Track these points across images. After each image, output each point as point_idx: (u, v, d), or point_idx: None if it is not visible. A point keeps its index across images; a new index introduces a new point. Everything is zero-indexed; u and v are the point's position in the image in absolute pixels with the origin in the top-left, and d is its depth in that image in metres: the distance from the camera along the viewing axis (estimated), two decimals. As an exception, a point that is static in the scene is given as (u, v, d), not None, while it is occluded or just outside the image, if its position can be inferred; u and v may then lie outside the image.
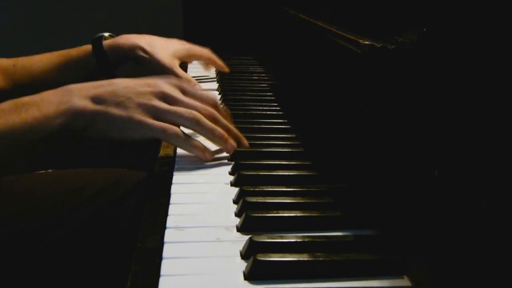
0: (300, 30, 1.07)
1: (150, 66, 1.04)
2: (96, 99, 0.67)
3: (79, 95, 0.67)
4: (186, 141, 0.69)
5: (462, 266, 0.42)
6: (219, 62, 1.19)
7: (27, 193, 0.88)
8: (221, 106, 0.77)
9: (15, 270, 0.81)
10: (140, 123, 0.67)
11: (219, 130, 0.70)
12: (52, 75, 1.02)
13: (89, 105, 0.66)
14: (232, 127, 0.73)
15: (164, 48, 1.06)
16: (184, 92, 0.72)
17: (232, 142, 0.71)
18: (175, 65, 1.05)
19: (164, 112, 0.68)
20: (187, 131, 0.71)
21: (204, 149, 0.70)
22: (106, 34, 1.05)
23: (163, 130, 0.67)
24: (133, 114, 0.67)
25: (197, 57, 1.17)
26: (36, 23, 2.04)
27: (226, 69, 1.20)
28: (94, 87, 0.68)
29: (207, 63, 1.20)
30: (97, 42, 1.02)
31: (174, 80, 0.73)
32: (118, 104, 0.67)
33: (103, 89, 0.68)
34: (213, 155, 0.71)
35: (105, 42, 1.02)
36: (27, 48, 1.13)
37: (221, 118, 0.72)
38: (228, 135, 0.72)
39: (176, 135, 0.68)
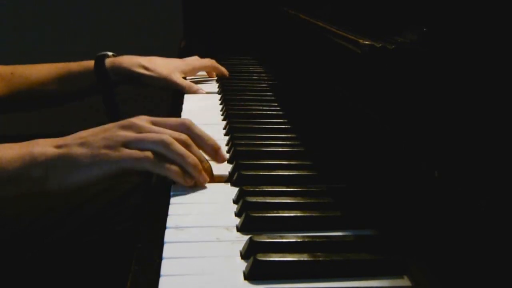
0: (300, 30, 1.07)
1: (150, 82, 1.06)
2: (58, 145, 0.63)
3: (42, 144, 0.63)
4: (161, 164, 0.62)
5: (462, 266, 0.42)
6: (222, 69, 1.21)
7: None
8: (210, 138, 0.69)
9: (15, 270, 0.81)
10: (106, 156, 0.61)
11: (192, 157, 0.63)
12: (50, 86, 1.03)
13: (49, 150, 0.62)
14: (205, 159, 0.66)
15: (164, 64, 1.09)
16: (155, 123, 0.66)
17: (205, 175, 0.64)
18: (176, 76, 1.07)
19: (131, 141, 0.63)
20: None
21: (182, 173, 0.63)
22: (110, 54, 1.06)
23: (131, 157, 0.61)
24: (98, 149, 0.62)
25: (200, 69, 1.21)
26: (36, 23, 2.04)
27: (227, 74, 1.22)
28: (60, 138, 0.64)
29: (210, 71, 1.22)
30: (99, 60, 1.04)
31: (145, 116, 0.68)
32: (81, 144, 0.63)
33: (68, 136, 0.65)
34: (193, 182, 0.64)
35: (107, 61, 1.03)
36: (26, 50, 1.13)
37: (195, 147, 0.66)
38: (205, 146, 0.67)
39: (147, 159, 0.61)
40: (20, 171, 0.61)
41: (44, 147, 0.63)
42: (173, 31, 1.74)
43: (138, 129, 0.65)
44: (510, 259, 0.37)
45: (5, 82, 1.01)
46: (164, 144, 0.62)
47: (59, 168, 0.62)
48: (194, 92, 1.08)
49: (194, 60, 1.18)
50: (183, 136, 0.65)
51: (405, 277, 0.47)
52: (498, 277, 0.38)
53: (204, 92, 1.10)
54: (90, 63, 1.04)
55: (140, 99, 1.67)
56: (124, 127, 0.65)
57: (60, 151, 0.62)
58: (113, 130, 0.64)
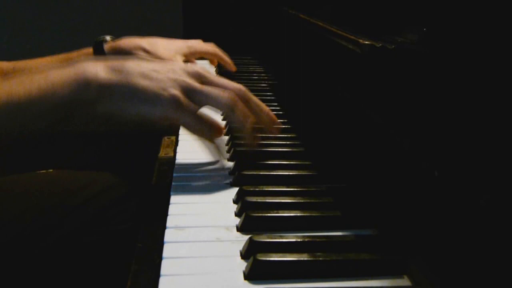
0: (300, 30, 1.07)
1: None
2: (114, 69, 0.59)
3: (93, 64, 0.59)
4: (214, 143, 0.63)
5: (462, 266, 0.42)
6: (225, 57, 1.16)
7: (27, 193, 0.88)
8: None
9: (15, 270, 0.81)
10: (177, 103, 0.58)
11: (250, 121, 0.63)
12: None
13: (104, 74, 0.58)
14: (264, 107, 0.67)
15: (165, 46, 1.05)
16: (212, 77, 0.64)
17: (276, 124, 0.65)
18: (176, 59, 1.04)
19: (197, 91, 0.60)
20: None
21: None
22: (108, 38, 1.03)
23: (196, 118, 0.59)
24: (164, 86, 0.58)
25: (201, 54, 1.15)
26: (36, 23, 2.04)
27: (233, 67, 1.17)
28: (112, 59, 0.61)
29: (212, 59, 1.18)
30: (98, 45, 1.01)
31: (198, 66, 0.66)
32: (143, 75, 0.58)
33: (123, 61, 0.61)
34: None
35: (106, 45, 1.01)
36: (27, 48, 1.13)
37: (253, 98, 0.65)
38: (262, 116, 0.66)
39: (209, 131, 0.61)
40: (73, 95, 0.58)
41: (97, 69, 0.58)
42: (173, 31, 1.74)
43: (203, 78, 0.62)
44: (510, 259, 0.37)
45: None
46: (231, 106, 0.61)
47: (115, 95, 0.58)
48: None
49: (197, 43, 1.13)
50: (243, 91, 0.63)
51: (405, 277, 0.47)
52: (498, 277, 0.38)
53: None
54: (90, 50, 1.01)
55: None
56: (190, 74, 0.61)
57: (119, 77, 0.58)
58: (179, 73, 0.60)
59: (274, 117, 0.67)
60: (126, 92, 0.58)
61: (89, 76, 0.58)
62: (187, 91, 0.60)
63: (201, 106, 0.61)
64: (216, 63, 1.19)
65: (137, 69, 0.60)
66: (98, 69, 0.59)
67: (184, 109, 0.59)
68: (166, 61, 0.63)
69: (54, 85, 0.58)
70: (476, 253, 0.41)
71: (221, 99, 0.60)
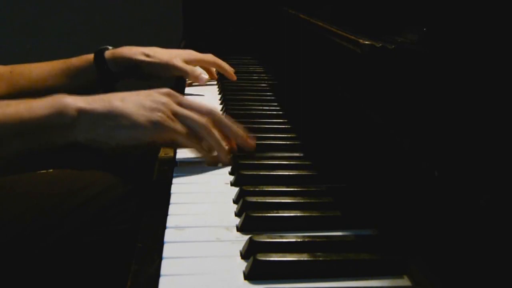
0: (300, 30, 1.07)
1: (151, 69, 1.04)
2: (94, 99, 0.62)
3: (71, 96, 0.62)
4: (201, 148, 0.66)
5: (462, 266, 0.42)
6: (225, 66, 1.17)
7: (27, 193, 0.88)
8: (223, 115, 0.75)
9: (15, 270, 0.81)
10: (162, 122, 0.61)
11: (223, 144, 0.68)
12: (52, 82, 1.02)
13: (82, 101, 0.61)
14: (234, 127, 0.71)
15: (165, 52, 1.07)
16: (185, 102, 0.68)
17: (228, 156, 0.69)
18: (177, 60, 1.05)
19: (177, 114, 0.63)
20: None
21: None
22: (110, 47, 1.05)
23: (184, 135, 0.63)
24: (151, 113, 0.61)
25: (200, 61, 1.16)
26: (36, 22, 2.04)
27: (234, 77, 1.17)
28: (89, 96, 0.64)
29: (210, 68, 1.19)
30: (99, 52, 1.02)
31: (171, 91, 0.69)
32: (123, 100, 0.61)
33: (103, 95, 0.64)
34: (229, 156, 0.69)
35: (107, 52, 1.02)
36: (26, 48, 1.13)
37: (223, 120, 0.70)
38: (233, 135, 0.70)
39: (196, 143, 0.65)
40: (50, 117, 0.60)
41: (74, 99, 0.61)
42: (173, 31, 1.74)
43: (179, 100, 0.65)
44: (510, 259, 0.37)
45: (5, 81, 1.00)
46: (205, 128, 0.65)
47: (97, 122, 0.60)
48: (196, 77, 1.07)
49: (195, 52, 1.15)
50: (216, 115, 0.68)
51: (405, 277, 0.47)
52: (498, 276, 0.38)
53: (205, 79, 1.09)
54: (90, 57, 1.02)
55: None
56: (168, 95, 0.64)
57: (100, 104, 0.61)
58: (157, 97, 0.63)
59: (245, 134, 0.71)
60: (108, 118, 0.60)
61: (66, 101, 0.61)
62: (169, 112, 0.63)
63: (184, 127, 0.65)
64: (214, 76, 1.20)
65: (118, 97, 0.62)
66: (76, 98, 0.61)
67: (169, 128, 0.62)
68: (145, 91, 0.66)
69: (32, 108, 0.60)
70: (476, 253, 0.41)
71: (197, 123, 0.65)
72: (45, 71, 1.02)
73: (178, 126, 0.64)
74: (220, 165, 0.70)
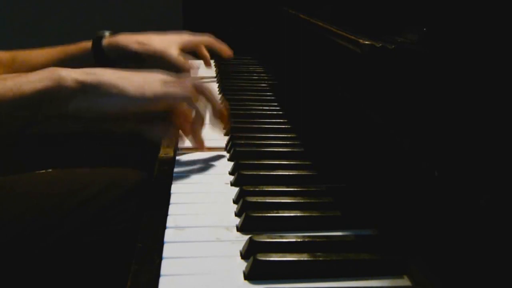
0: (300, 30, 1.07)
1: (147, 58, 1.04)
2: (88, 72, 0.64)
3: (67, 69, 0.65)
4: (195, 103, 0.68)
5: (462, 266, 0.42)
6: (221, 45, 1.17)
7: (27, 193, 0.88)
8: (221, 102, 0.76)
9: (15, 270, 0.81)
10: (154, 86, 0.64)
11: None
12: None
13: (77, 73, 0.64)
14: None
15: (161, 40, 1.07)
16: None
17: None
18: (172, 51, 1.05)
19: (168, 83, 0.66)
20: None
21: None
22: (107, 33, 1.05)
23: (177, 92, 0.66)
24: (143, 81, 0.65)
25: (196, 44, 1.16)
26: (35, 19, 2.04)
27: (229, 52, 1.18)
28: (83, 69, 0.66)
29: (208, 47, 1.18)
30: (97, 40, 1.03)
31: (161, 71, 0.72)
32: (117, 75, 0.65)
33: (93, 68, 0.66)
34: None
35: (104, 40, 1.03)
36: (25, 43, 1.13)
37: (211, 95, 0.72)
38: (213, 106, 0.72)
39: (189, 96, 0.67)
40: (48, 90, 0.62)
41: (70, 71, 0.64)
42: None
43: (164, 80, 0.67)
44: (510, 259, 0.37)
45: (8, 68, 1.01)
46: (188, 99, 0.67)
47: (88, 92, 0.63)
48: (187, 70, 1.06)
49: (191, 36, 1.15)
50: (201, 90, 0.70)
51: (405, 277, 0.47)
52: (498, 276, 0.38)
53: (196, 68, 1.10)
54: (88, 44, 1.04)
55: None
56: (160, 71, 0.68)
57: (90, 76, 0.63)
58: (147, 71, 0.67)
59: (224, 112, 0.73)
60: (100, 87, 0.63)
61: (62, 74, 0.63)
62: (165, 82, 0.66)
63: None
64: (209, 64, 1.21)
65: (110, 71, 0.66)
66: (71, 71, 0.64)
67: (170, 85, 0.66)
68: (129, 71, 0.68)
69: (30, 80, 0.62)
70: (476, 253, 0.41)
71: (187, 92, 0.67)
72: (45, 59, 1.02)
73: (186, 90, 0.66)
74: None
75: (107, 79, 0.64)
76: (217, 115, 0.71)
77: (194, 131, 0.71)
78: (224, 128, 0.74)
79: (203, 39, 1.17)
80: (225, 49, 1.18)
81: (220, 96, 1.07)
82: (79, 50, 1.04)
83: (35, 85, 0.62)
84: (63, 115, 0.64)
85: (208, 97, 0.71)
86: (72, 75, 0.64)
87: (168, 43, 1.07)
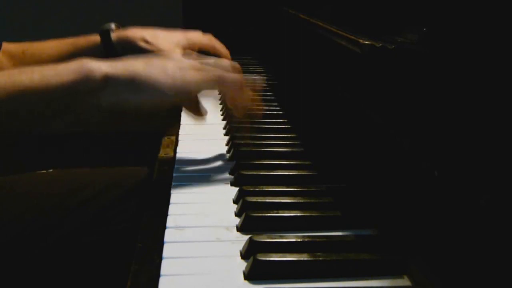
0: (300, 30, 1.07)
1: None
2: (117, 63, 0.62)
3: (95, 60, 0.62)
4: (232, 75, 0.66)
5: (462, 266, 0.42)
6: (222, 50, 1.19)
7: (27, 193, 0.88)
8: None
9: (15, 270, 0.81)
10: (190, 77, 0.62)
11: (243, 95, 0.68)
12: (60, 62, 1.04)
13: (106, 66, 0.61)
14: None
15: (166, 39, 1.07)
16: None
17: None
18: (177, 52, 1.06)
19: (196, 68, 0.64)
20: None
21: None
22: (113, 25, 1.06)
23: (221, 78, 0.64)
24: (171, 68, 0.62)
25: (199, 46, 1.18)
26: (36, 21, 2.04)
27: (227, 54, 1.19)
28: (114, 61, 0.64)
29: (209, 50, 1.20)
30: (105, 34, 1.03)
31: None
32: (146, 64, 0.62)
33: (124, 58, 0.65)
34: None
35: (113, 34, 1.03)
36: (28, 36, 1.14)
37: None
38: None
39: (234, 79, 0.65)
40: (76, 83, 0.60)
41: (99, 63, 0.62)
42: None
43: (194, 66, 0.65)
44: (510, 259, 0.37)
45: (18, 61, 1.01)
46: (236, 69, 0.68)
47: (117, 86, 0.61)
48: None
49: (196, 36, 1.16)
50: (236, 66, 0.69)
51: (405, 277, 0.47)
52: (498, 276, 0.38)
53: None
54: (97, 38, 1.04)
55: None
56: (187, 57, 0.66)
57: (119, 68, 0.61)
58: (175, 57, 0.65)
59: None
60: (131, 82, 0.61)
61: (92, 66, 0.61)
62: (193, 68, 0.63)
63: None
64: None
65: (139, 61, 0.63)
66: (101, 63, 0.61)
67: (205, 79, 0.63)
68: (164, 55, 0.67)
69: (58, 72, 0.60)
70: (476, 253, 0.41)
71: (226, 66, 0.66)
72: (54, 52, 1.03)
73: (215, 74, 0.64)
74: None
75: (139, 72, 0.62)
76: (242, 95, 0.68)
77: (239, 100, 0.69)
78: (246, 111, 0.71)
79: (206, 42, 1.17)
80: (224, 54, 1.19)
81: (220, 96, 1.07)
82: (89, 43, 1.04)
83: (63, 78, 0.60)
84: (92, 110, 0.62)
85: (239, 72, 0.69)
86: (102, 68, 0.61)
87: (173, 43, 1.08)
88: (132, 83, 0.61)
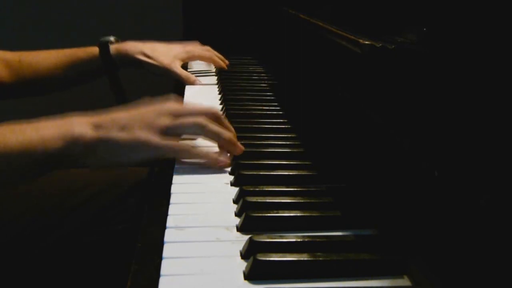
0: (300, 30, 1.07)
1: (152, 69, 1.09)
2: (97, 125, 0.65)
3: (78, 122, 0.65)
4: (196, 153, 0.68)
5: (462, 266, 0.42)
6: (220, 61, 1.25)
7: (27, 193, 0.88)
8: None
9: (15, 270, 0.81)
10: (147, 143, 0.65)
11: (227, 133, 0.69)
12: (58, 73, 1.05)
13: (89, 131, 0.64)
14: (231, 129, 0.72)
15: (165, 52, 1.12)
16: (183, 108, 0.72)
17: (240, 145, 0.70)
18: (175, 65, 1.10)
19: (169, 128, 0.66)
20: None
21: (216, 156, 0.69)
22: (112, 38, 1.09)
23: (169, 148, 0.66)
24: (139, 135, 0.65)
25: (198, 58, 1.25)
26: (36, 21, 2.04)
27: (227, 62, 1.26)
28: (94, 115, 0.67)
29: (208, 62, 1.27)
30: (104, 47, 1.06)
31: (173, 99, 0.72)
32: (121, 128, 0.65)
33: (104, 116, 0.67)
34: (229, 159, 0.69)
35: (112, 47, 1.06)
36: (27, 45, 1.14)
37: (225, 120, 0.72)
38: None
39: (184, 151, 0.67)
40: (61, 150, 0.63)
41: (83, 127, 0.64)
42: (173, 31, 1.74)
43: (174, 113, 0.68)
44: (510, 259, 0.37)
45: (14, 70, 1.02)
46: (200, 126, 0.67)
47: (99, 150, 0.64)
48: (192, 83, 1.12)
49: (194, 48, 1.21)
50: (213, 112, 0.70)
51: (405, 277, 0.47)
52: (498, 276, 0.38)
53: (201, 83, 1.14)
54: (96, 50, 1.07)
55: (145, 83, 1.68)
56: (163, 114, 0.67)
57: (100, 134, 0.64)
58: (151, 117, 0.67)
59: (234, 140, 0.71)
60: (107, 146, 0.64)
61: (76, 134, 0.63)
62: (162, 130, 0.66)
63: (180, 136, 0.69)
64: (211, 65, 1.29)
65: (116, 123, 0.66)
66: (84, 127, 0.64)
67: (160, 147, 0.65)
68: (142, 107, 0.69)
69: (45, 141, 0.63)
70: (476, 253, 0.41)
71: (191, 126, 0.67)
72: (51, 63, 1.05)
73: (167, 143, 0.66)
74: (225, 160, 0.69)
75: (117, 137, 0.64)
76: (227, 142, 0.69)
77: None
78: (236, 154, 0.71)
79: (204, 54, 1.24)
80: (223, 65, 1.26)
81: (220, 96, 1.08)
82: (87, 55, 1.07)
83: (48, 145, 0.63)
84: (80, 167, 0.66)
85: (221, 122, 0.71)
86: (88, 135, 0.64)
87: (172, 56, 1.12)
88: (116, 149, 0.65)
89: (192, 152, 0.68)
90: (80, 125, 0.64)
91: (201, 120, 0.68)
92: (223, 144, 0.69)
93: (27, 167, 0.64)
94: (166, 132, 0.66)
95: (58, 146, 0.63)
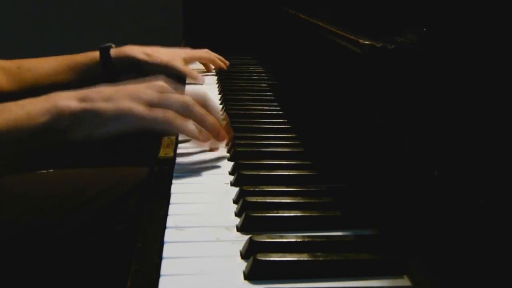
0: (300, 30, 1.07)
1: (153, 69, 1.10)
2: (81, 98, 0.66)
3: (64, 96, 0.66)
4: (179, 124, 0.66)
5: (462, 266, 0.42)
6: (219, 62, 1.27)
7: (27, 193, 0.88)
8: (221, 113, 0.77)
9: (15, 270, 0.81)
10: (131, 113, 0.65)
11: (211, 117, 0.69)
12: (57, 78, 1.06)
13: (74, 103, 0.65)
14: (221, 119, 0.73)
15: (165, 52, 1.13)
16: (174, 88, 0.72)
17: (223, 133, 0.71)
18: (177, 62, 1.11)
19: (154, 100, 0.66)
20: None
21: (198, 132, 0.68)
22: (113, 45, 1.10)
23: (153, 118, 0.65)
24: (123, 104, 0.65)
25: (198, 59, 1.27)
26: (36, 22, 2.04)
27: (227, 63, 1.28)
28: (82, 91, 0.67)
29: (207, 63, 1.29)
30: (104, 51, 1.07)
31: (162, 79, 0.72)
32: (106, 99, 0.65)
33: (89, 90, 0.67)
34: (209, 139, 0.70)
35: (112, 51, 1.07)
36: (28, 48, 1.14)
37: (212, 108, 0.72)
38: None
39: (167, 122, 0.65)
40: (47, 124, 0.63)
41: (68, 100, 0.65)
42: (173, 31, 1.74)
43: (161, 89, 0.68)
44: (510, 259, 0.37)
45: (13, 76, 1.02)
46: (186, 104, 0.67)
47: (84, 121, 0.65)
48: (195, 78, 1.13)
49: (194, 51, 1.23)
50: (201, 98, 0.70)
51: (405, 277, 0.47)
52: (498, 276, 0.38)
53: (203, 79, 1.15)
54: (96, 54, 1.07)
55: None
56: (149, 88, 0.68)
57: (85, 105, 0.65)
58: (137, 88, 0.67)
59: (218, 126, 0.71)
60: (92, 117, 0.65)
61: (61, 106, 0.64)
62: (148, 102, 0.66)
63: (165, 110, 0.67)
64: (211, 69, 1.29)
65: (101, 95, 0.66)
66: (69, 100, 0.65)
67: (145, 117, 0.65)
68: (130, 83, 0.69)
69: (30, 116, 0.64)
70: (476, 253, 0.41)
71: (176, 103, 0.67)
72: (51, 68, 1.05)
73: (155, 113, 0.66)
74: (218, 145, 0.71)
75: (102, 107, 0.65)
76: (211, 128, 0.69)
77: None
78: (226, 144, 0.73)
79: (203, 55, 1.26)
80: (222, 66, 1.28)
81: (220, 96, 1.08)
82: (87, 59, 1.08)
83: (34, 120, 0.63)
84: (63, 142, 0.66)
85: (208, 109, 0.70)
86: (71, 106, 0.64)
87: (173, 55, 1.14)
88: (101, 120, 0.65)
89: (176, 124, 0.66)
90: (65, 99, 0.65)
91: (188, 99, 0.68)
92: (207, 129, 0.69)
93: (16, 143, 0.64)
94: (151, 105, 0.66)
95: (44, 120, 0.63)
